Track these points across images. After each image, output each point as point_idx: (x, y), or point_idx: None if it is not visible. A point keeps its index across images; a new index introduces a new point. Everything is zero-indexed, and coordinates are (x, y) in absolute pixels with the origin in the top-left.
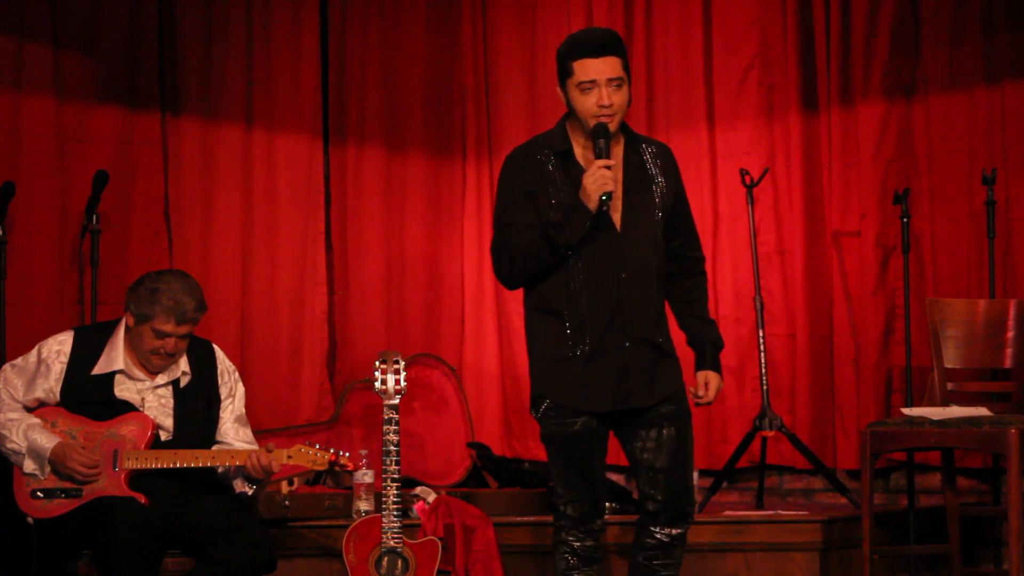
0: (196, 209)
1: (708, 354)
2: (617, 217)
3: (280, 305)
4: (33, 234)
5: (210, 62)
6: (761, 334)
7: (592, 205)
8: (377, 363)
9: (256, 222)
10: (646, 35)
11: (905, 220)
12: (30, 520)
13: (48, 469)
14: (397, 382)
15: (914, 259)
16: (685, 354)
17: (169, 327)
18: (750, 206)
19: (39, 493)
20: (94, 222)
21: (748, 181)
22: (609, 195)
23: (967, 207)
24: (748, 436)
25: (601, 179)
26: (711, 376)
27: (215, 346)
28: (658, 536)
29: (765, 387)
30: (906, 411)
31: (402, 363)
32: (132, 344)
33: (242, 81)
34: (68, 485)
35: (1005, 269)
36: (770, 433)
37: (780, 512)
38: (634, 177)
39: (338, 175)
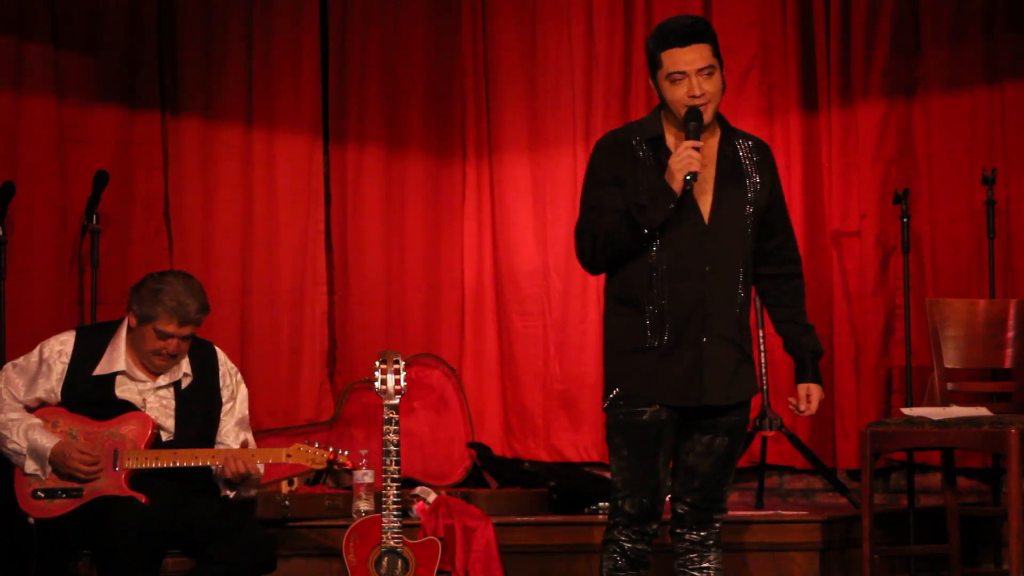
0: (196, 209)
1: (809, 364)
2: (706, 210)
3: (280, 305)
4: (33, 234)
5: (210, 62)
6: (761, 334)
7: (677, 186)
8: (377, 363)
9: (256, 222)
10: (646, 35)
11: (905, 220)
12: (31, 520)
13: (49, 469)
14: (397, 382)
15: (914, 259)
16: (781, 358)
17: (172, 328)
18: None
19: (40, 493)
20: (94, 222)
21: None
22: (694, 175)
23: (967, 207)
24: (748, 436)
25: (687, 159)
26: (813, 389)
27: (217, 348)
28: (687, 539)
29: (765, 387)
30: (906, 411)
31: (402, 363)
32: (134, 345)
33: (242, 81)
34: (69, 485)
35: (1005, 269)
36: (770, 433)
37: (780, 512)
38: (727, 170)
39: (338, 175)
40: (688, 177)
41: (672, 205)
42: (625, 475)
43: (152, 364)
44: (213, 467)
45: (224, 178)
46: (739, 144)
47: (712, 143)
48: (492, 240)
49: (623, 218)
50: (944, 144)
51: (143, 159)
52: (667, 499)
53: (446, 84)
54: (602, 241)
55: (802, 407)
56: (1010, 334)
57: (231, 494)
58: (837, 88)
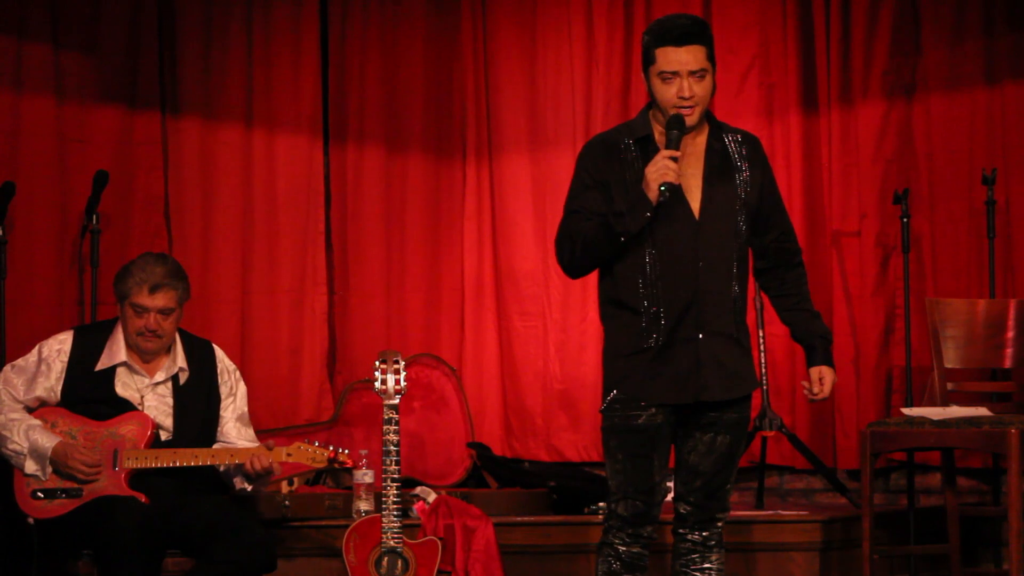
0: (196, 209)
1: (819, 348)
2: (696, 206)
3: (280, 305)
4: (33, 234)
5: (210, 62)
6: (761, 334)
7: (652, 195)
8: (377, 363)
9: (256, 222)
10: None
11: (905, 220)
12: (31, 520)
13: (50, 469)
14: (397, 382)
15: (914, 259)
16: (791, 348)
17: (143, 299)
18: None
19: (40, 493)
20: (94, 222)
21: None
22: (669, 186)
23: (967, 207)
24: (748, 436)
25: (663, 168)
26: (825, 371)
27: (215, 346)
28: (689, 539)
29: (765, 387)
30: (906, 411)
31: (402, 363)
32: (127, 335)
33: (242, 81)
34: (69, 485)
35: (1005, 269)
36: (770, 433)
37: (780, 512)
38: (716, 165)
39: (338, 175)
40: (663, 187)
41: (648, 214)
42: (619, 478)
43: (139, 348)
44: (227, 466)
45: (224, 178)
46: (728, 139)
47: (700, 140)
48: (492, 240)
49: (601, 224)
50: (944, 144)
51: (143, 159)
52: (668, 500)
53: (446, 84)
54: (580, 247)
55: (815, 390)
56: (1010, 334)
57: (249, 488)
58: (837, 88)
